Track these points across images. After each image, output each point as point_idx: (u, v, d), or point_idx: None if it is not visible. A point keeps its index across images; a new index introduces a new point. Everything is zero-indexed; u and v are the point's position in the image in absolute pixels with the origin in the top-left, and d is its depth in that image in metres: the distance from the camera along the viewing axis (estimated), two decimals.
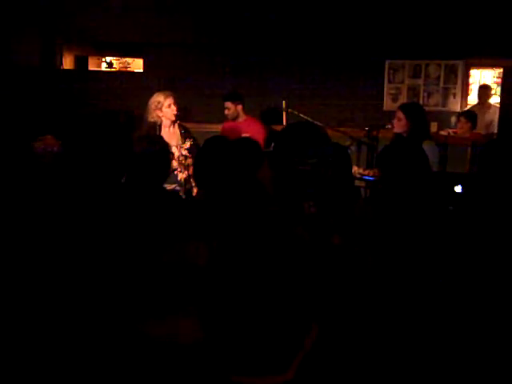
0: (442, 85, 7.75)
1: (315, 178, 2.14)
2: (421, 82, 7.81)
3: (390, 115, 5.11)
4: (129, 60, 9.47)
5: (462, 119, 6.63)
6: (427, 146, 3.83)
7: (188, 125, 5.02)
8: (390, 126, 4.70)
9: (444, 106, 7.71)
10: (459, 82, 7.67)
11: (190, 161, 4.55)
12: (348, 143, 4.69)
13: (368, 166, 4.82)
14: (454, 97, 7.64)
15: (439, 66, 7.72)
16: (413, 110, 4.41)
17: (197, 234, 2.32)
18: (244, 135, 5.03)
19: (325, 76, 7.81)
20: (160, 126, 4.74)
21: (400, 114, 4.36)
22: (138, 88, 7.61)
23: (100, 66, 9.36)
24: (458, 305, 2.24)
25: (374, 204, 3.12)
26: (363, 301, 2.05)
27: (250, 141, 3.11)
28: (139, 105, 5.36)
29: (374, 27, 7.46)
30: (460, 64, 7.64)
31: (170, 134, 4.69)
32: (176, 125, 4.79)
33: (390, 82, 7.87)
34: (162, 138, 3.38)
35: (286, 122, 6.33)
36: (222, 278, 1.16)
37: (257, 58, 7.90)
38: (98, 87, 7.99)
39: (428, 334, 2.14)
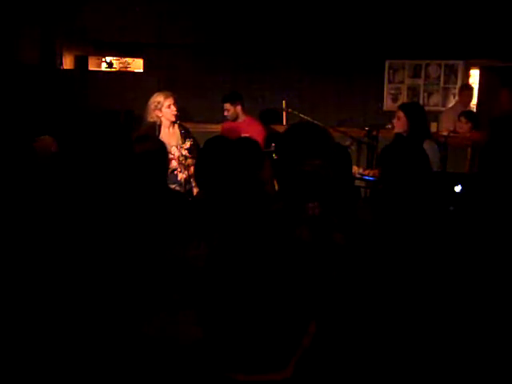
0: (442, 85, 7.76)
1: (319, 179, 2.14)
2: (421, 81, 7.81)
3: (390, 115, 5.11)
4: (129, 60, 9.46)
5: (462, 119, 6.62)
6: (428, 146, 3.84)
7: (188, 125, 5.01)
8: (390, 126, 4.69)
9: (444, 106, 7.71)
10: (459, 82, 7.67)
11: (190, 161, 4.54)
12: (348, 143, 4.69)
13: (368, 166, 4.83)
14: (454, 97, 7.64)
15: (439, 66, 7.72)
16: (413, 110, 4.40)
17: (197, 234, 2.32)
18: (244, 135, 5.02)
19: (325, 76, 7.81)
20: (160, 126, 4.73)
21: (400, 114, 4.35)
22: (138, 88, 7.60)
23: (100, 66, 9.36)
24: (457, 304, 2.24)
25: (374, 204, 3.12)
26: (363, 299, 2.05)
27: (250, 141, 3.10)
28: (139, 105, 5.36)
29: (374, 27, 7.47)
30: (460, 64, 7.64)
31: (170, 134, 4.68)
32: (176, 125, 4.78)
33: (389, 81, 7.88)
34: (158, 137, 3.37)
35: (286, 121, 6.33)
36: (221, 276, 1.16)
37: (257, 58, 7.90)
38: (97, 87, 7.99)
39: (428, 332, 2.14)
